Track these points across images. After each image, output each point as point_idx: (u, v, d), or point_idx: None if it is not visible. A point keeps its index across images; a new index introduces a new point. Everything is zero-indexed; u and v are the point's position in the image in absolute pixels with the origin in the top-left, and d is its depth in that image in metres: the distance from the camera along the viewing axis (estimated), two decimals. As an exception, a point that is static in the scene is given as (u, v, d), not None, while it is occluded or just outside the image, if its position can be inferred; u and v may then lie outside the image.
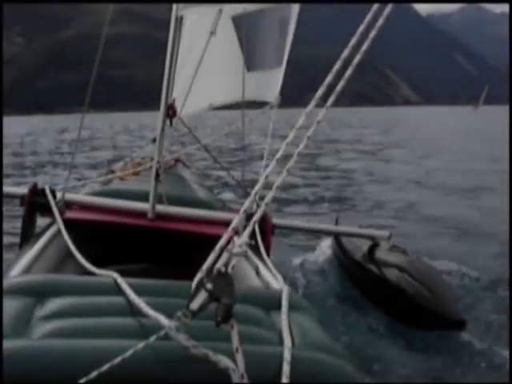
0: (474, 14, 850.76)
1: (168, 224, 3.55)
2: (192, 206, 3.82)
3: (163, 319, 1.51)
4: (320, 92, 1.71)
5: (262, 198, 1.73)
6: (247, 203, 1.63)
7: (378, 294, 4.30)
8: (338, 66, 1.73)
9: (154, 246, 3.61)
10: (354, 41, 1.74)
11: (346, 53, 1.74)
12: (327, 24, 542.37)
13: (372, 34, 1.75)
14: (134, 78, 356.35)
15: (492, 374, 3.48)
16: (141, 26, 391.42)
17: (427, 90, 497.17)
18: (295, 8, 4.64)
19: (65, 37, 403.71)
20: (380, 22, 1.75)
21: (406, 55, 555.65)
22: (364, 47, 1.75)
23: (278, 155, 1.65)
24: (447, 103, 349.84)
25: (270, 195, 1.62)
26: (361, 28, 1.75)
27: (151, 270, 3.24)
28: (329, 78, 1.71)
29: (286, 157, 1.67)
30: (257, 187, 1.66)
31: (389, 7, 1.75)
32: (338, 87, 1.71)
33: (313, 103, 1.73)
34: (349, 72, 1.72)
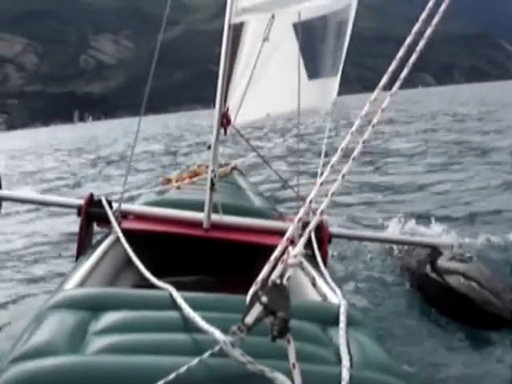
0: None
1: (223, 234, 3.57)
2: (248, 216, 3.84)
3: (218, 334, 1.51)
4: (384, 80, 1.71)
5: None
6: (302, 212, 1.65)
7: (445, 303, 4.26)
8: (401, 52, 1.73)
9: (209, 257, 3.66)
10: (417, 27, 1.74)
11: (409, 40, 1.74)
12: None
13: (435, 19, 1.73)
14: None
15: None
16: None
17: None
18: (354, 8, 4.49)
19: (170, 36, 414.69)
20: (443, 6, 1.73)
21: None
22: (428, 32, 1.74)
23: (333, 161, 1.65)
24: None
25: (325, 202, 1.61)
26: (423, 15, 1.75)
27: (206, 282, 3.08)
28: (393, 65, 1.72)
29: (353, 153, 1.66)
30: (312, 194, 1.65)
31: None
32: (402, 74, 1.72)
33: (376, 91, 1.72)
34: (413, 58, 1.73)
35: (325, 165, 4.07)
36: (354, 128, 1.68)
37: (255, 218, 3.88)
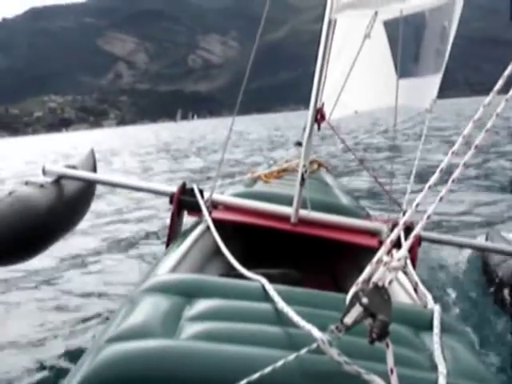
0: None
1: (311, 230, 3.58)
2: (335, 213, 3.83)
3: (316, 331, 1.46)
4: (500, 83, 1.55)
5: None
6: (408, 214, 1.57)
7: None
8: None
9: (293, 251, 3.74)
10: None
11: None
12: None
13: None
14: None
15: None
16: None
17: None
18: (458, 10, 4.22)
19: (277, 36, 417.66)
20: None
21: None
22: None
23: (443, 164, 1.55)
24: None
25: (431, 207, 1.50)
26: None
27: (290, 276, 2.99)
28: (510, 70, 1.53)
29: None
30: (419, 198, 1.54)
31: None
32: None
33: (491, 95, 1.57)
34: None
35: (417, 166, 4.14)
36: (465, 131, 1.59)
37: (344, 216, 3.84)
